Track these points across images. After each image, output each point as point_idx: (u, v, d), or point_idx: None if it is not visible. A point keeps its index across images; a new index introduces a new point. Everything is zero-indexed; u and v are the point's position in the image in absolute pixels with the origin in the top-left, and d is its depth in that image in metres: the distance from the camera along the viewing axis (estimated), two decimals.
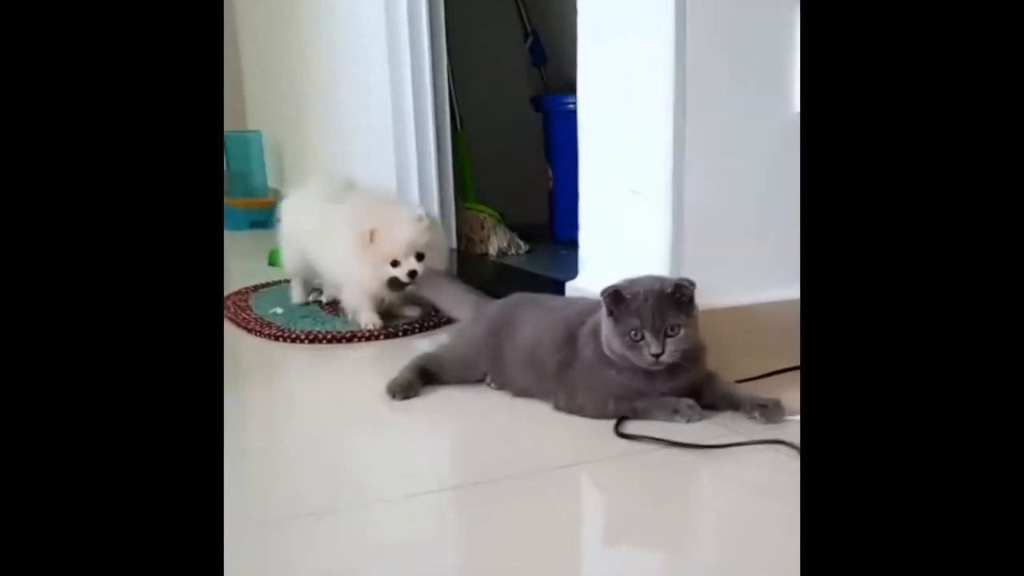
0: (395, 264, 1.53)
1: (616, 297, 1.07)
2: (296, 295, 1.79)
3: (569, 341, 1.16)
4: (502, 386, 1.23)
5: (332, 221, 1.60)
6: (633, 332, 1.06)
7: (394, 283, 1.54)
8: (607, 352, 1.09)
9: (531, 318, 1.22)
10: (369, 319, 1.58)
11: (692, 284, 1.09)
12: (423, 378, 1.26)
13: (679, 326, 1.06)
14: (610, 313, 1.08)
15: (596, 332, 1.12)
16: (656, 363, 1.06)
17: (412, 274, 1.52)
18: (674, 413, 1.09)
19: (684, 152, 1.23)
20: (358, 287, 1.58)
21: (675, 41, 1.19)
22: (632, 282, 1.10)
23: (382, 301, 1.60)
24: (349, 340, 1.54)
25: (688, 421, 1.08)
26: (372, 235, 1.52)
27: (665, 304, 1.06)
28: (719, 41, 1.21)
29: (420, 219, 1.54)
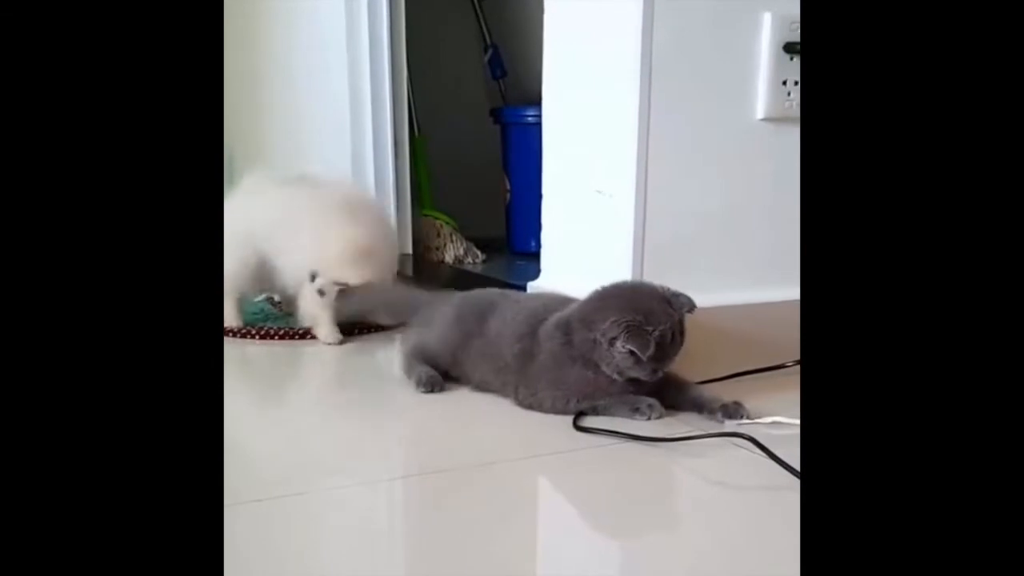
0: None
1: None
2: (230, 315, 1.52)
3: (530, 335, 1.14)
4: (460, 378, 1.21)
5: (300, 206, 1.47)
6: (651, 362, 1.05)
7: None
8: (614, 375, 1.08)
9: (494, 310, 1.20)
10: (328, 334, 1.46)
11: (692, 308, 1.09)
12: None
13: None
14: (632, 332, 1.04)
15: (562, 327, 1.11)
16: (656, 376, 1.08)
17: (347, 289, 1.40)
18: (634, 411, 1.08)
19: (648, 153, 1.23)
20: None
21: (641, 42, 1.20)
22: (648, 315, 1.05)
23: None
24: (303, 337, 1.50)
25: (648, 419, 1.07)
26: (368, 251, 1.42)
27: (677, 332, 1.07)
28: (686, 44, 1.23)
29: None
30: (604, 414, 1.09)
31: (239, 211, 1.52)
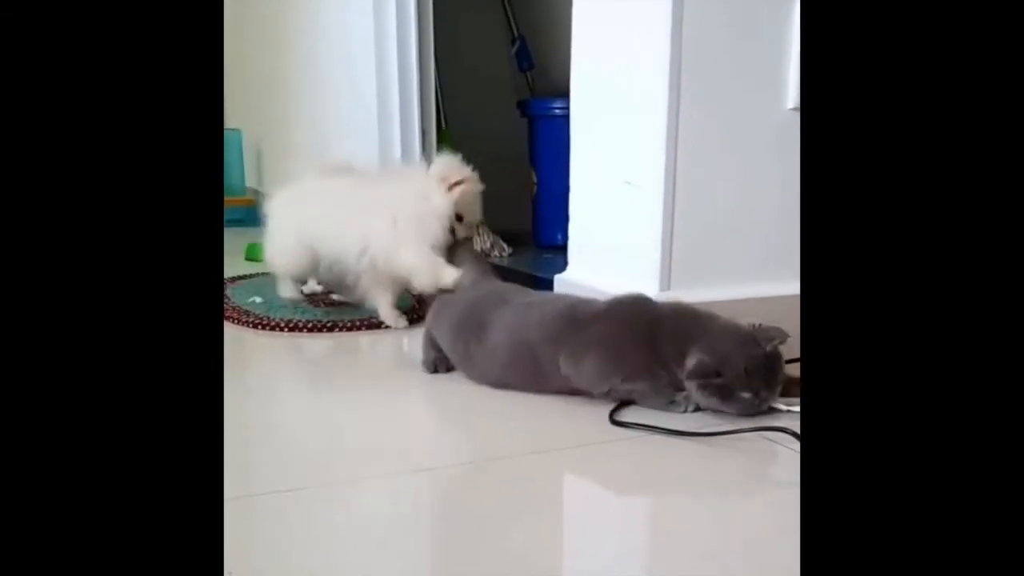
0: (459, 219, 1.50)
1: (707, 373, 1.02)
2: (287, 289, 1.67)
3: (574, 318, 1.12)
4: (473, 378, 1.20)
5: (366, 195, 1.53)
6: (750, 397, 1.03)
7: (452, 234, 1.49)
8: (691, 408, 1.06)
9: (508, 318, 1.17)
10: (390, 314, 1.53)
11: (784, 339, 1.04)
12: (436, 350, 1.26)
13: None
14: (702, 389, 1.03)
15: (645, 314, 1.09)
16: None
17: (468, 238, 1.52)
18: (670, 403, 1.07)
19: (677, 144, 1.22)
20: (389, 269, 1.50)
21: (671, 32, 1.19)
22: (723, 359, 1.02)
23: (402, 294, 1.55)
24: (330, 329, 1.51)
25: (684, 411, 1.06)
26: (455, 186, 1.49)
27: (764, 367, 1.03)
28: (715, 33, 1.21)
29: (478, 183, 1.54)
30: (640, 403, 1.08)
31: (291, 203, 1.64)
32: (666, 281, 1.25)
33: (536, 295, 1.24)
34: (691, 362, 1.03)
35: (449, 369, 1.24)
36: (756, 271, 1.29)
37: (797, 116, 1.27)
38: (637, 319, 1.10)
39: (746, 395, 1.02)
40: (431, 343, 1.26)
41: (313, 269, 1.63)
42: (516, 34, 2.63)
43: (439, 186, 1.49)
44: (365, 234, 1.50)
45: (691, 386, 1.04)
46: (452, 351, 1.22)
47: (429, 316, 1.29)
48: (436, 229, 1.48)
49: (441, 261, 1.47)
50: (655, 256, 1.24)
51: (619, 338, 1.09)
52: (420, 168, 1.56)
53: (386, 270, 1.50)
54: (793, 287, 1.23)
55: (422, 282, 1.47)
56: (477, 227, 2.23)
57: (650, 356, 1.07)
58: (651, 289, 1.24)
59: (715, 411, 1.05)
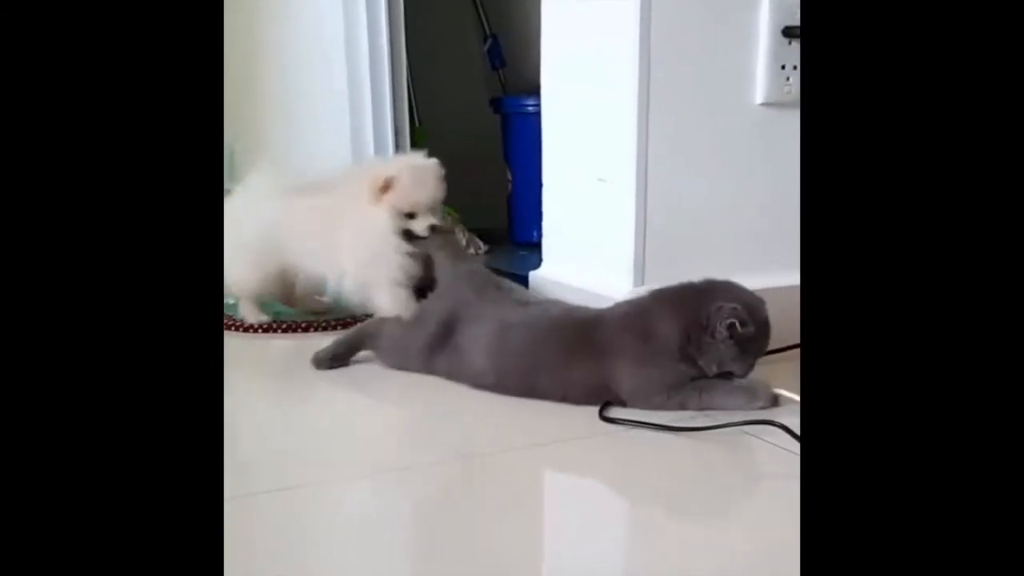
0: (411, 216, 1.36)
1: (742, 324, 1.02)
2: (252, 313, 1.52)
3: (577, 343, 1.10)
4: (452, 376, 1.18)
5: (327, 209, 1.41)
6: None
7: (408, 236, 1.36)
8: (712, 368, 1.05)
9: (487, 341, 1.15)
10: (393, 302, 1.34)
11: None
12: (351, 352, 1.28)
13: None
14: (731, 336, 1.03)
15: (639, 324, 1.07)
16: None
17: (433, 228, 1.37)
18: (752, 398, 1.05)
19: (648, 140, 1.23)
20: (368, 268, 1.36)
21: (639, 29, 1.19)
22: (748, 307, 1.04)
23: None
24: (305, 330, 1.51)
25: (764, 406, 1.05)
26: (388, 184, 1.34)
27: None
28: (684, 31, 1.22)
29: (439, 171, 1.40)
30: (710, 407, 1.05)
31: (253, 216, 1.48)
32: (640, 276, 1.26)
33: (508, 311, 1.18)
34: (727, 307, 1.02)
35: (341, 365, 1.28)
36: (730, 265, 1.29)
37: (767, 111, 1.28)
38: (637, 323, 1.08)
39: (751, 357, 1.04)
40: (352, 339, 1.28)
41: (282, 289, 1.52)
42: (488, 32, 2.63)
43: (373, 196, 1.35)
44: (337, 262, 1.39)
45: (721, 321, 1.02)
46: (425, 359, 1.20)
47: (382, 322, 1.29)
48: (385, 248, 1.35)
49: (400, 292, 1.33)
50: (628, 252, 1.25)
51: (636, 360, 1.06)
52: (364, 173, 1.41)
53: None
54: (768, 280, 1.27)
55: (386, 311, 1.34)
56: (452, 224, 2.24)
57: (665, 353, 1.05)
58: (625, 284, 1.25)
59: (705, 400, 1.05)
